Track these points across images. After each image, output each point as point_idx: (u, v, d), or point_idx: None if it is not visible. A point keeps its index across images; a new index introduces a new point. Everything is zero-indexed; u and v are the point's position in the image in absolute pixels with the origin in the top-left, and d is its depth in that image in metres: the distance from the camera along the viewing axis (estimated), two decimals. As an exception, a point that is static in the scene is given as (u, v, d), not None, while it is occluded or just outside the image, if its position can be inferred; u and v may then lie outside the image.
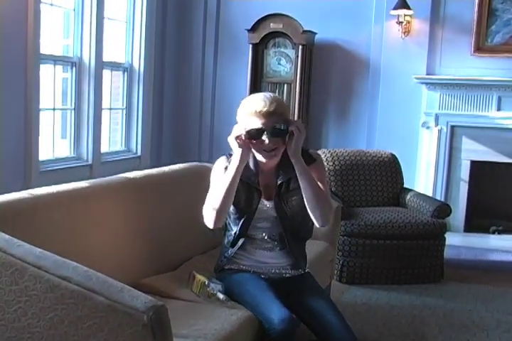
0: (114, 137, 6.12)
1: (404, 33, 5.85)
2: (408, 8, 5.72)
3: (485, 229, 5.90)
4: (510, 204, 6.05)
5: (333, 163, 4.73)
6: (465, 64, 5.81)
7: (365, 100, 6.22)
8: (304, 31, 5.99)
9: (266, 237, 2.62)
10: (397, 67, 5.94)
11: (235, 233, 2.59)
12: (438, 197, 5.68)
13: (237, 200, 2.52)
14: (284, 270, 2.65)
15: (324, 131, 6.41)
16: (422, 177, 5.91)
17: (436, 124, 5.86)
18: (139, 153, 6.20)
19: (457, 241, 5.39)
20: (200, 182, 2.76)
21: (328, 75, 6.35)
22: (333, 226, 3.57)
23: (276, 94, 2.72)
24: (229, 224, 2.63)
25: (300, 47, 6.02)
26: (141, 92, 6.12)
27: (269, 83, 6.23)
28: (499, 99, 5.72)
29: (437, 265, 4.42)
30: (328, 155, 4.77)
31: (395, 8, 5.78)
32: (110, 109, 5.95)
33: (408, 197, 4.73)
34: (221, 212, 2.47)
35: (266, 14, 6.06)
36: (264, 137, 2.42)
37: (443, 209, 4.43)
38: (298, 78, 6.05)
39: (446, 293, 4.22)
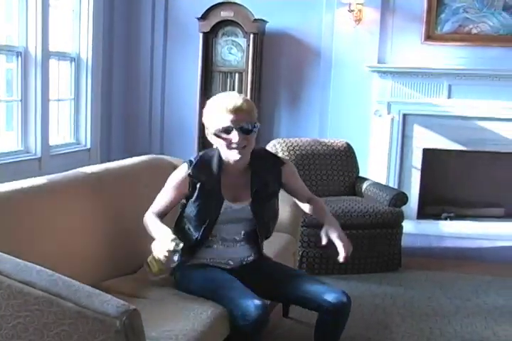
0: (63, 129, 5.95)
1: (356, 21, 5.84)
2: (359, -5, 5.73)
3: (437, 216, 5.98)
4: (460, 191, 6.15)
5: (289, 153, 4.68)
6: (416, 52, 5.85)
7: (317, 89, 6.20)
8: (255, 20, 5.92)
9: (229, 236, 2.59)
10: (348, 56, 5.94)
11: (196, 238, 2.53)
12: (391, 185, 5.71)
13: (198, 208, 2.50)
14: (246, 259, 2.64)
15: (276, 120, 6.37)
16: (375, 166, 5.93)
17: (389, 112, 5.89)
18: (88, 146, 6.04)
19: (411, 228, 5.43)
20: (161, 176, 2.66)
21: (279, 64, 6.30)
22: (295, 218, 3.54)
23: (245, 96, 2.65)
24: (188, 228, 2.56)
25: (251, 35, 5.94)
26: (90, 83, 5.95)
27: (220, 72, 6.15)
28: (449, 87, 5.78)
29: (395, 253, 4.45)
30: (284, 145, 4.73)
31: (346, -4, 5.77)
32: (58, 100, 5.77)
33: (364, 186, 4.73)
34: None
35: (216, 2, 5.97)
36: (233, 134, 2.41)
37: (400, 198, 4.45)
38: (249, 67, 5.98)
39: (405, 281, 4.26)
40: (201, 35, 6.04)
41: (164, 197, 2.56)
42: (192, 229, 2.54)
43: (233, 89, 6.04)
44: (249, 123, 2.44)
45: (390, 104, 5.88)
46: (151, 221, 2.49)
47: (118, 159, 3.23)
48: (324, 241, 2.52)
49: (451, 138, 5.84)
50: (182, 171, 2.53)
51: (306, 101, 6.29)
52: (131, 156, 3.31)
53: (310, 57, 6.23)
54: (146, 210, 2.56)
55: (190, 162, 2.52)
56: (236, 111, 2.41)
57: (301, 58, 6.26)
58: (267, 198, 2.59)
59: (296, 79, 6.31)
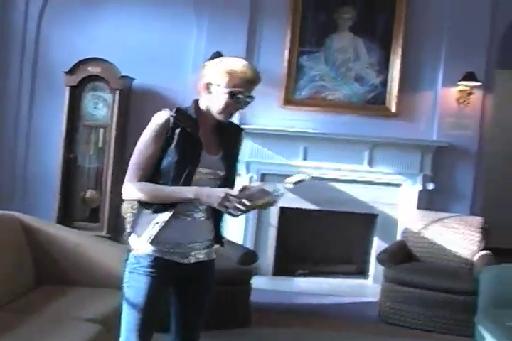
0: None
1: (218, 84, 6.08)
2: (223, 60, 5.97)
3: (293, 273, 6.20)
4: (316, 248, 6.42)
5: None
6: (275, 115, 6.16)
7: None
8: (122, 76, 6.04)
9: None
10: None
11: None
12: (248, 242, 5.90)
13: (179, 154, 2.42)
14: (203, 249, 2.54)
15: (140, 176, 6.42)
16: (233, 223, 6.05)
17: (248, 172, 6.11)
18: None
19: (266, 284, 5.61)
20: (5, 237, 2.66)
21: (144, 120, 6.23)
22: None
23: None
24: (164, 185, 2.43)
25: (117, 92, 6.05)
26: None
27: (86, 126, 6.17)
28: (305, 149, 6.10)
29: (244, 310, 4.57)
30: (141, 202, 4.80)
31: (210, 59, 5.99)
32: None
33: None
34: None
35: (85, 58, 6.05)
36: (242, 101, 2.48)
37: (249, 257, 4.62)
38: (114, 122, 6.06)
39: (254, 338, 4.37)
40: (68, 88, 6.08)
41: (146, 152, 2.47)
42: (170, 184, 2.42)
43: (97, 145, 6.10)
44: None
45: (249, 163, 6.11)
46: (158, 189, 2.41)
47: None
48: None
49: (307, 198, 6.11)
50: (162, 117, 2.48)
51: (169, 157, 6.41)
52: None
53: (175, 115, 6.38)
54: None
55: (178, 109, 2.50)
56: (252, 81, 2.46)
57: (167, 116, 6.40)
58: (233, 156, 2.61)
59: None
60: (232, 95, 2.44)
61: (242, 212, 2.32)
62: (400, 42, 6.15)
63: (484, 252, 5.18)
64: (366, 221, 6.37)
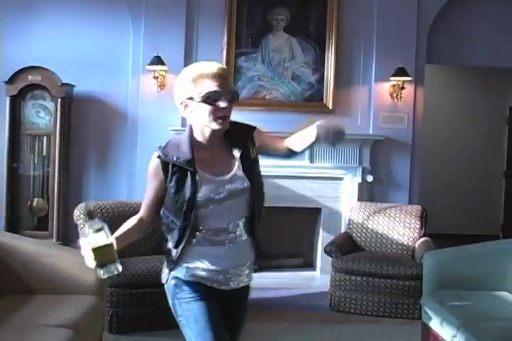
0: None
1: (160, 86, 6.18)
2: (163, 64, 6.08)
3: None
4: (265, 243, 6.51)
5: (97, 216, 4.84)
6: (217, 116, 6.26)
7: (125, 151, 6.42)
8: (63, 84, 6.07)
9: (220, 225, 2.40)
10: (154, 119, 6.21)
11: (180, 227, 2.35)
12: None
13: (174, 187, 2.35)
14: (243, 272, 2.48)
15: (85, 182, 6.49)
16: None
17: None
18: None
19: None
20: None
21: (87, 127, 6.47)
22: (101, 280, 3.69)
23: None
24: (172, 221, 2.38)
25: (59, 99, 6.08)
26: None
27: (28, 135, 6.18)
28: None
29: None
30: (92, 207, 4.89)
31: (150, 64, 6.10)
32: None
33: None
34: None
35: (24, 66, 6.04)
36: (222, 100, 2.29)
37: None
38: (57, 130, 6.09)
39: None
40: (8, 98, 6.07)
41: (148, 192, 2.42)
42: (175, 219, 2.36)
43: (41, 153, 6.13)
44: (233, 89, 2.36)
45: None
46: (123, 225, 2.41)
47: None
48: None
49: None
50: (153, 158, 2.41)
51: (114, 163, 6.49)
52: None
53: (117, 120, 6.46)
54: None
55: (159, 147, 2.42)
56: (219, 76, 2.30)
57: (109, 121, 6.48)
58: (251, 164, 2.45)
59: (105, 142, 6.50)
60: (207, 99, 2.29)
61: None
62: (333, 40, 6.35)
63: (424, 238, 5.44)
64: (311, 215, 6.56)
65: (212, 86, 2.28)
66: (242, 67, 6.34)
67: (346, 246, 5.45)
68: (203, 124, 2.36)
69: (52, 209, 6.10)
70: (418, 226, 5.57)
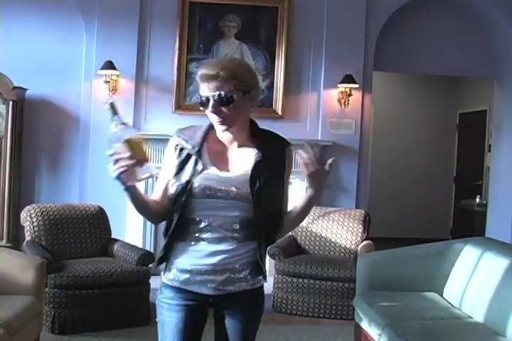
0: None
1: (112, 90, 6.25)
2: (114, 68, 6.15)
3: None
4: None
5: (43, 218, 4.91)
6: (168, 120, 6.36)
7: (77, 154, 6.49)
8: (15, 87, 6.11)
9: (212, 221, 2.24)
10: (106, 123, 6.14)
11: (170, 212, 2.26)
12: (148, 245, 6.10)
13: (176, 170, 2.26)
14: (239, 275, 2.29)
15: (37, 185, 6.54)
16: (131, 228, 6.21)
17: (143, 177, 6.27)
18: None
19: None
20: None
21: (40, 130, 6.51)
22: (39, 280, 3.77)
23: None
24: (175, 210, 2.26)
25: (10, 102, 6.12)
26: None
27: (-21, 138, 6.22)
28: (199, 153, 6.33)
29: (143, 309, 4.77)
30: (38, 210, 4.95)
31: (102, 69, 6.17)
32: None
33: (115, 247, 5.07)
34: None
35: (-26, 70, 6.09)
36: (210, 105, 2.18)
37: (147, 257, 4.84)
38: (9, 133, 6.13)
39: (151, 335, 4.56)
40: (-42, 101, 6.10)
41: (161, 174, 2.31)
42: (175, 206, 2.25)
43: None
44: (228, 92, 2.15)
45: (144, 168, 6.27)
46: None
47: None
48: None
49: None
50: (171, 144, 2.33)
51: (66, 166, 6.55)
52: None
53: (70, 123, 6.52)
54: None
55: (179, 128, 2.35)
56: (209, 78, 2.16)
57: (61, 124, 6.54)
58: (269, 173, 2.29)
59: (57, 145, 6.55)
60: (200, 102, 2.23)
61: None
62: (283, 47, 6.51)
63: (366, 242, 5.59)
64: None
65: (203, 89, 2.19)
66: (193, 73, 6.41)
67: (290, 249, 5.57)
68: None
69: (2, 212, 6.13)
70: (361, 230, 5.72)
